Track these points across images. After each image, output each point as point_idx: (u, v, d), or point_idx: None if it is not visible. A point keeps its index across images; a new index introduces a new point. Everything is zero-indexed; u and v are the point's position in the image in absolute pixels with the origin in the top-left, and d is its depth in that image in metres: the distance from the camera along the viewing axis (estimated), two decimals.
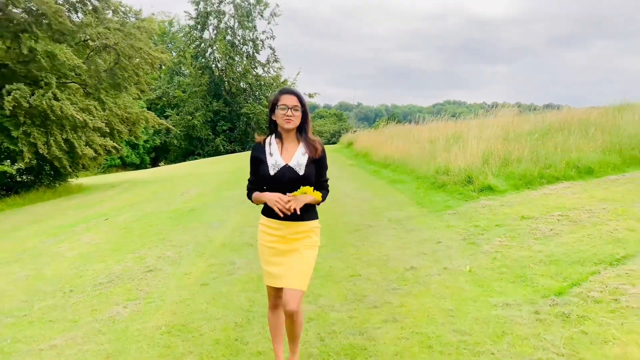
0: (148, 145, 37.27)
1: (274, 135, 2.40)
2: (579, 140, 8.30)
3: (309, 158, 2.32)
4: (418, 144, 11.99)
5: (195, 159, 34.90)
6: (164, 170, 24.38)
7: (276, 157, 2.31)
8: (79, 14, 15.19)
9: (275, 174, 2.29)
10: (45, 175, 15.62)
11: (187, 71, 39.90)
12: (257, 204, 2.44)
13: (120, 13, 15.95)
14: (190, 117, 36.76)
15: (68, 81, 14.86)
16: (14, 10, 13.47)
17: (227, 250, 5.23)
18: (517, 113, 12.89)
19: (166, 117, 33.95)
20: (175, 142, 37.10)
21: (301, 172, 2.30)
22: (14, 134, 12.87)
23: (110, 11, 15.69)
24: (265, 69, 40.74)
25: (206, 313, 3.49)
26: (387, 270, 4.04)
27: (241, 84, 39.69)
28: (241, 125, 38.35)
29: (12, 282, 4.95)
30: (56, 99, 13.13)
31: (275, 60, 40.72)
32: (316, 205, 2.43)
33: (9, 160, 11.65)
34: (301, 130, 2.36)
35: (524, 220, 5.07)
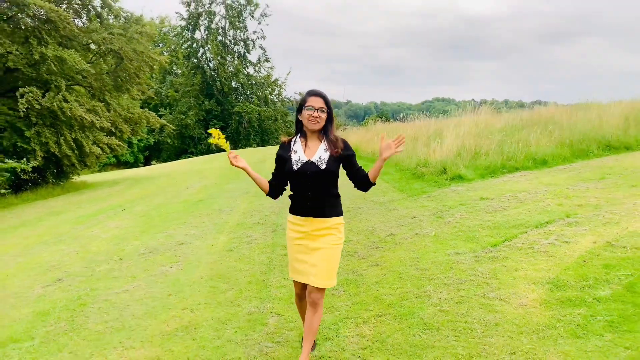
0: (142, 144, 38.03)
1: (299, 135, 2.55)
2: (539, 135, 9.58)
3: (330, 155, 2.45)
4: None
5: (188, 157, 35.75)
6: (162, 167, 25.29)
7: (299, 154, 2.45)
8: (83, 19, 16.14)
9: (298, 169, 2.43)
10: (50, 173, 16.53)
11: (180, 71, 40.72)
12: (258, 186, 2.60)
13: (122, 19, 16.91)
14: (183, 116, 37.63)
15: (75, 84, 15.80)
16: (24, 17, 14.38)
17: (242, 228, 6.37)
18: (493, 112, 14.21)
19: (159, 117, 34.69)
20: (169, 140, 37.87)
21: (322, 167, 2.41)
22: (27, 134, 13.81)
23: (113, 16, 16.65)
24: (257, 68, 41.83)
25: (236, 267, 4.63)
26: (372, 236, 5.22)
27: (233, 83, 40.60)
28: (233, 124, 39.26)
29: (65, 256, 6.02)
30: (65, 100, 14.09)
31: (266, 60, 41.82)
32: (340, 202, 2.56)
33: (24, 159, 12.56)
34: (325, 130, 2.50)
35: (482, 200, 6.28)
